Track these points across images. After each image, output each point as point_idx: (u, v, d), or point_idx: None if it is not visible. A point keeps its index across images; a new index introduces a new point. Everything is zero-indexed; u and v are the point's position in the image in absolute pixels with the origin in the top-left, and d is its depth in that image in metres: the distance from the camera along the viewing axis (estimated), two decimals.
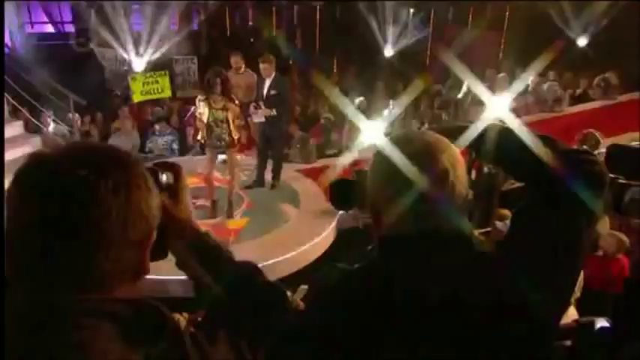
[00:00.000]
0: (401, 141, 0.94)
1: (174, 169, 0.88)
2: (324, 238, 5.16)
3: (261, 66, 5.71)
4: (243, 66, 6.22)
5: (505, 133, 1.02)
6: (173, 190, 0.87)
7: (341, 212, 5.00)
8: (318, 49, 11.28)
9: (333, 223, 5.34)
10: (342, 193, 1.09)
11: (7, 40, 8.06)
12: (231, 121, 5.22)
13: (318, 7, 11.19)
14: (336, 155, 6.83)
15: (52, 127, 6.45)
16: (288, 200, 5.87)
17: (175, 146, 7.36)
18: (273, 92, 5.68)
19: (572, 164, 0.95)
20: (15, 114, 6.32)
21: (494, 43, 11.11)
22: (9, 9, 8.16)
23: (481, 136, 1.03)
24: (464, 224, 0.91)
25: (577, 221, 0.93)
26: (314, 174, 6.22)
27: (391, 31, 11.07)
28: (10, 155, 5.57)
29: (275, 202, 5.80)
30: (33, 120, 6.26)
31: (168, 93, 7.82)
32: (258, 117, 5.72)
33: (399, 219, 0.90)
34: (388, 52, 11.14)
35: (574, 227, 0.93)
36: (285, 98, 5.90)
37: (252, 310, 0.87)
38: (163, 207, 0.80)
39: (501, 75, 9.00)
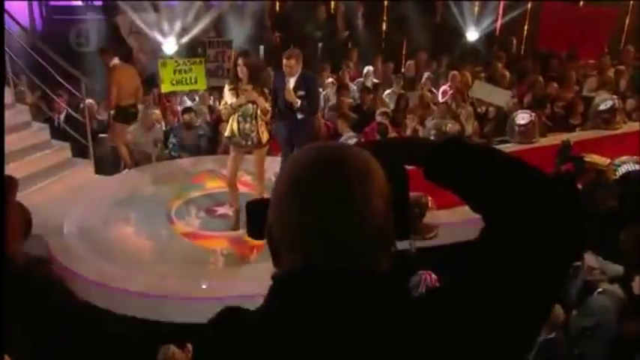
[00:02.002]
0: (307, 157, 0.89)
1: (5, 183, 0.91)
2: None
3: (286, 62, 5.56)
4: None
5: (464, 151, 0.98)
6: None
7: None
8: (384, 31, 11.10)
9: None
10: (261, 217, 0.97)
11: (24, 14, 8.51)
12: (259, 117, 5.24)
13: None
14: None
15: (64, 114, 6.74)
16: None
17: (203, 142, 7.45)
18: (300, 93, 5.62)
19: (542, 194, 0.90)
20: (22, 98, 6.58)
21: (613, 22, 10.39)
22: None
23: (435, 154, 0.99)
24: (378, 262, 0.87)
25: (541, 269, 0.87)
26: None
27: (477, 9, 10.67)
28: (12, 146, 5.78)
29: None
30: (42, 107, 6.52)
31: (202, 85, 7.86)
32: None
33: (294, 254, 0.87)
34: (472, 35, 10.78)
35: (537, 276, 0.86)
36: (315, 99, 5.84)
37: None
38: None
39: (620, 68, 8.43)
